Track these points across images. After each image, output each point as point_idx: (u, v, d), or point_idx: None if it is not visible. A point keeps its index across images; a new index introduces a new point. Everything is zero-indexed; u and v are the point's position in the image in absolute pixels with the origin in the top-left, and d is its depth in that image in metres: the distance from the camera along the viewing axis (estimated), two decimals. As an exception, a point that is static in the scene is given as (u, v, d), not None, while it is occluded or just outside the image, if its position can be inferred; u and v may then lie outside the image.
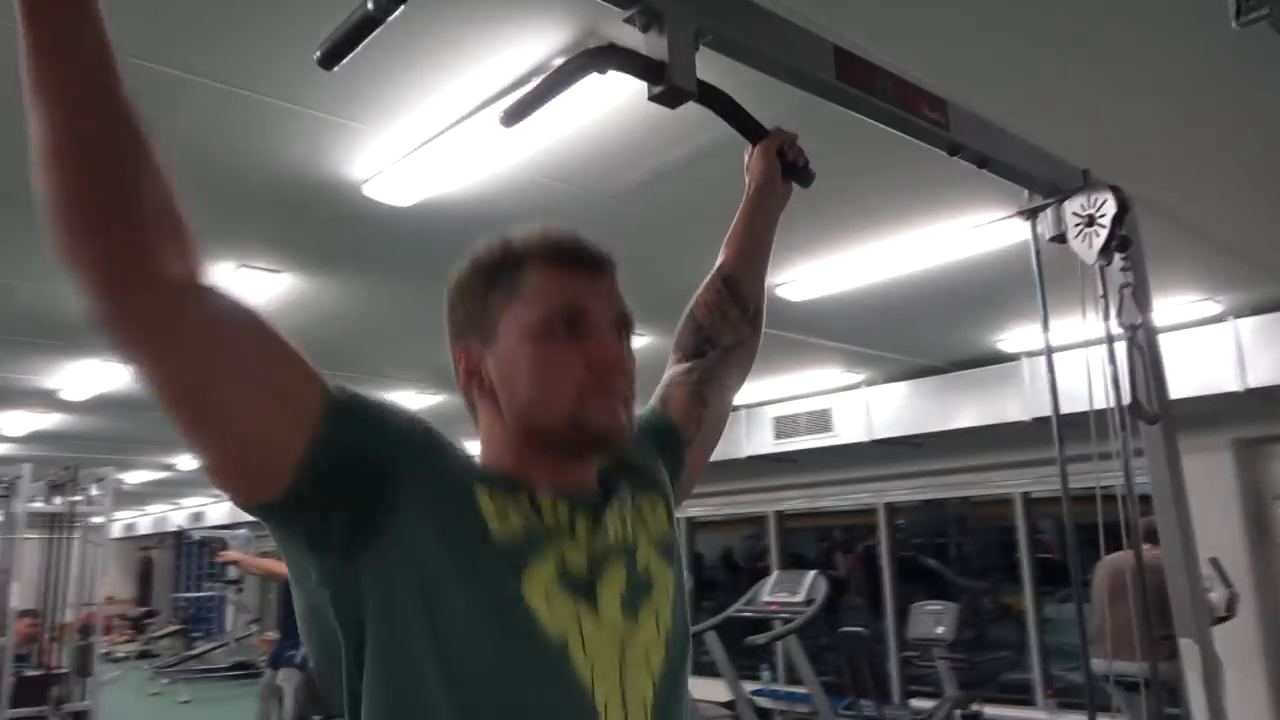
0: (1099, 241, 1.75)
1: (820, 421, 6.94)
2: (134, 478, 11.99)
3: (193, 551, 18.59)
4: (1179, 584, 1.93)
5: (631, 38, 1.18)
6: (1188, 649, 1.92)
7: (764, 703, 7.83)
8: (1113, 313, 1.83)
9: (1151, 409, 1.81)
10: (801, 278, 4.14)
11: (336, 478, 0.81)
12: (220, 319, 0.78)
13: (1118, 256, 1.81)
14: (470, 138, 2.68)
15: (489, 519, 0.87)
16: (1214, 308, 4.82)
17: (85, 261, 0.71)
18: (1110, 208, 1.74)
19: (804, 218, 3.47)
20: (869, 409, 6.59)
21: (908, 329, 5.30)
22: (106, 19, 0.72)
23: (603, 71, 1.13)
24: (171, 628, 13.90)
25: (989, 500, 7.81)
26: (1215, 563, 5.09)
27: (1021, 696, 6.88)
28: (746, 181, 1.36)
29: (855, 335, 5.37)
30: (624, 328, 0.97)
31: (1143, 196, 3.19)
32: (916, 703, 6.08)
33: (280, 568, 7.04)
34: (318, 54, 1.08)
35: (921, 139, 1.58)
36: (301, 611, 0.88)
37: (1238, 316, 4.88)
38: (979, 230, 3.59)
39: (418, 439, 0.88)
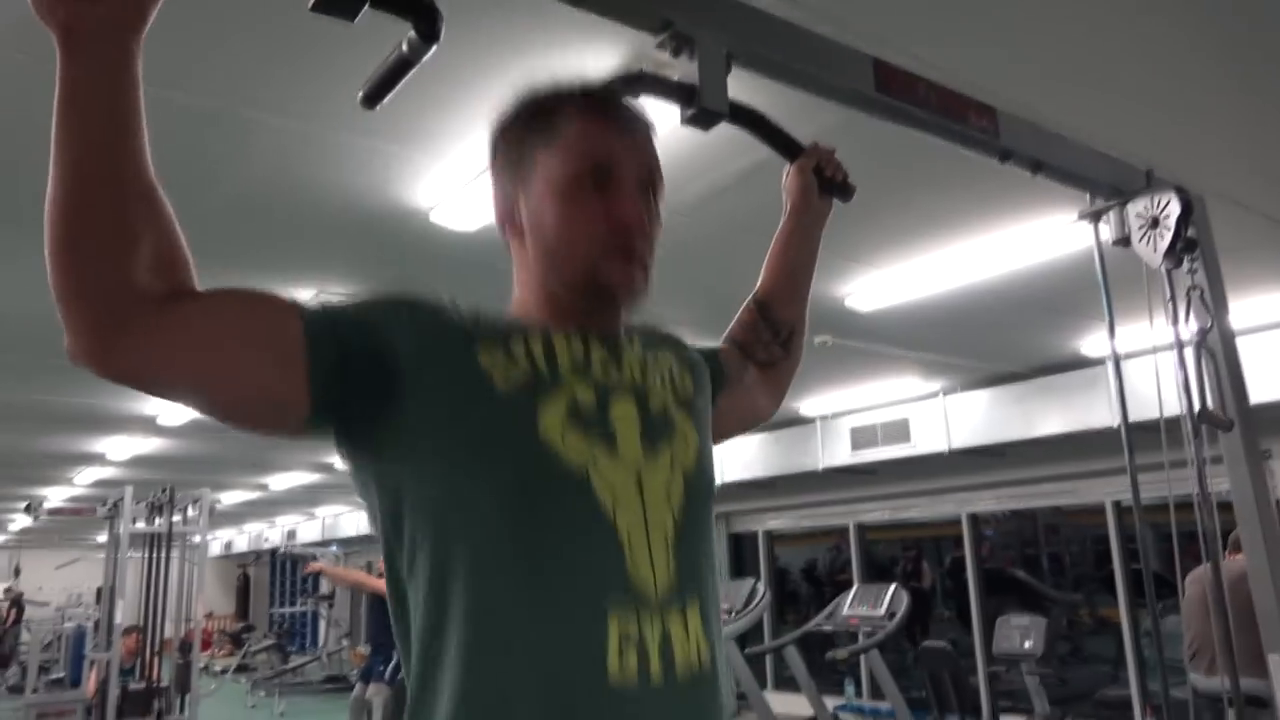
0: (1164, 244, 1.69)
1: (898, 431, 6.82)
2: (230, 497, 12.46)
3: (286, 567, 19.24)
4: (1264, 596, 1.85)
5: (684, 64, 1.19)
6: (1276, 664, 1.84)
7: (847, 718, 7.71)
8: (1181, 317, 1.77)
9: (1225, 416, 1.74)
10: (868, 288, 4.09)
11: (344, 388, 0.85)
12: (194, 322, 0.82)
13: (1185, 259, 1.74)
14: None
15: (492, 372, 0.89)
16: (1311, 305, 4.59)
17: (79, 300, 0.76)
18: (1175, 209, 1.68)
19: (867, 229, 3.44)
20: (948, 418, 6.46)
21: (984, 335, 5.18)
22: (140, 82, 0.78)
23: (635, 97, 1.14)
24: (268, 642, 14.33)
25: (1081, 509, 7.55)
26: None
27: (1121, 713, 6.62)
28: (784, 200, 1.36)
29: (929, 343, 5.28)
30: (651, 187, 0.99)
31: (1216, 190, 3.10)
32: (1006, 719, 5.90)
33: (366, 579, 7.24)
34: (360, 94, 1.12)
35: (970, 147, 1.55)
36: (373, 519, 0.93)
37: (1339, 314, 4.64)
38: (1049, 233, 3.49)
39: (402, 323, 0.90)
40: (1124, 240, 1.80)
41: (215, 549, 18.91)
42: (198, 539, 7.49)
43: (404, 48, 1.03)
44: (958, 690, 4.92)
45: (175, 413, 6.65)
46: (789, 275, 1.33)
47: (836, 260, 3.79)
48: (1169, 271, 1.77)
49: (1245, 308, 4.47)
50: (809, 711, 5.83)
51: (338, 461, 8.33)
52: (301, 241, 3.43)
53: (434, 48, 1.02)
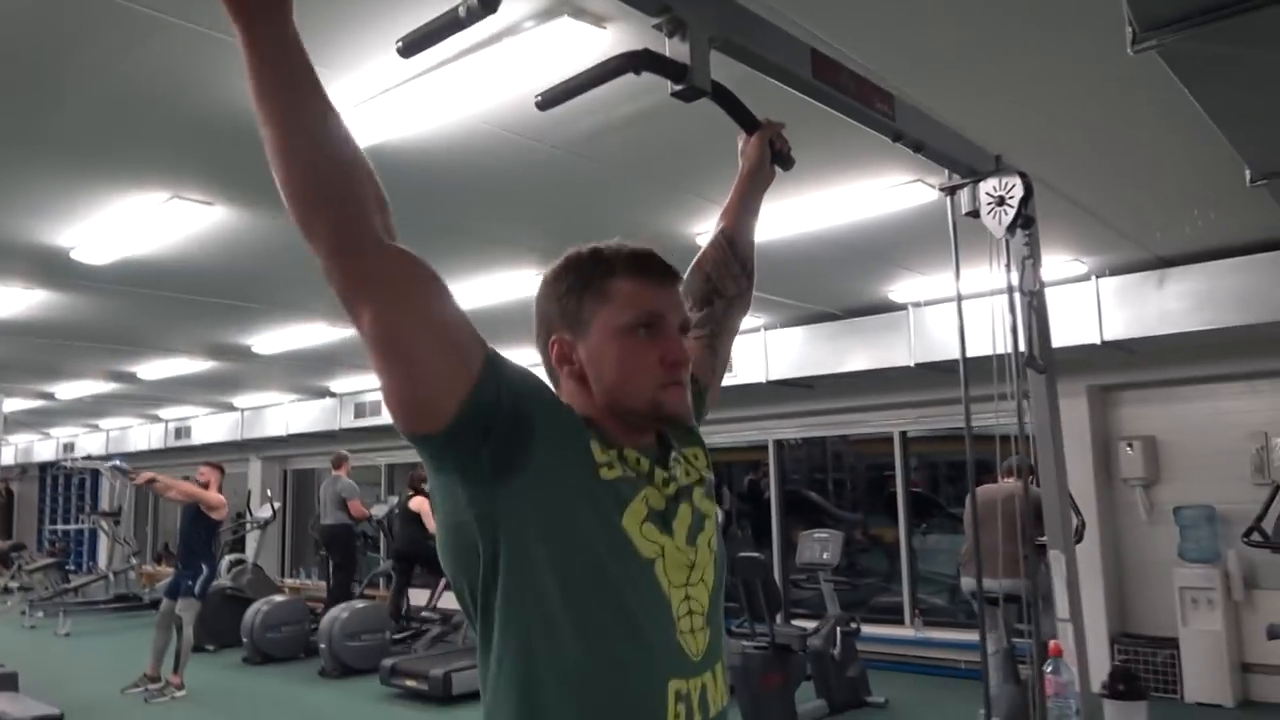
0: (1007, 219, 2.07)
1: (720, 362, 7.27)
2: (6, 406, 11.43)
3: (59, 482, 17.89)
4: (1052, 506, 2.33)
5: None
6: (1056, 558, 2.32)
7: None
8: (1014, 277, 2.16)
9: (1040, 361, 2.16)
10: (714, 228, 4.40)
11: (488, 421, 1.02)
12: (413, 275, 0.99)
13: (1020, 231, 2.13)
14: (427, 88, 2.81)
15: (600, 464, 1.11)
16: (1080, 267, 5.35)
17: (318, 235, 0.93)
18: (1019, 191, 2.06)
19: (724, 172, 3.72)
20: (767, 351, 6.98)
21: (809, 278, 5.64)
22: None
23: (637, 72, 1.34)
24: (44, 561, 13.39)
25: (864, 439, 8.40)
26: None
27: (893, 616, 7.57)
28: (740, 163, 1.60)
29: (760, 282, 5.65)
30: (686, 329, 1.23)
31: (1026, 171, 3.62)
32: (798, 622, 6.61)
33: (200, 492, 6.98)
34: (399, 44, 1.25)
35: (872, 127, 1.84)
36: (445, 525, 1.10)
37: (1100, 276, 5.44)
38: (882, 191, 3.93)
39: (548, 399, 1.10)
40: (974, 213, 2.17)
41: (-24, 461, 17.27)
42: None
43: (462, 11, 1.17)
44: (766, 596, 5.48)
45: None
46: (746, 221, 1.60)
47: (690, 198, 4.06)
48: (1007, 241, 2.16)
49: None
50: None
51: (140, 371, 7.79)
52: (156, 140, 3.32)
53: (487, 16, 1.17)
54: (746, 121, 1.57)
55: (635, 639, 1.08)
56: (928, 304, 6.05)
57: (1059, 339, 5.42)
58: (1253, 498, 5.26)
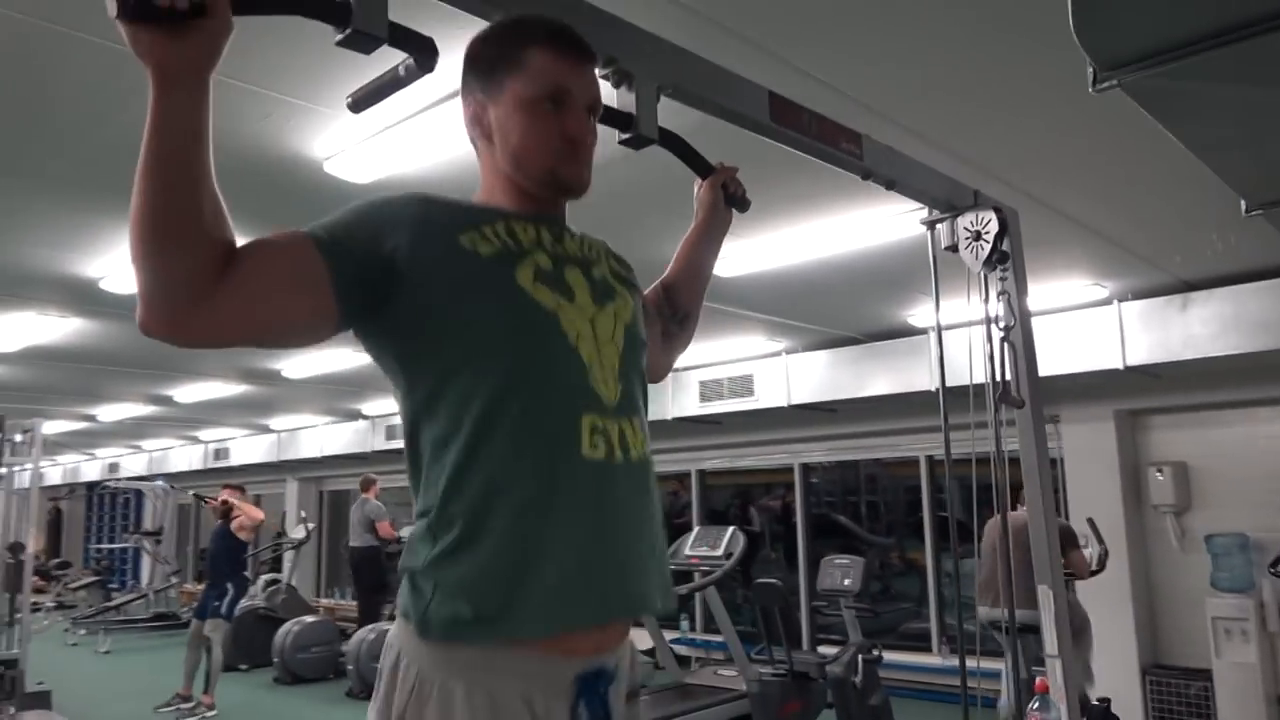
0: (983, 254, 2.07)
1: (743, 386, 7.29)
2: (50, 427, 11.76)
3: (105, 501, 18.30)
4: (1039, 540, 2.31)
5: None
6: (1044, 594, 2.30)
7: (683, 650, 8.28)
8: (993, 314, 2.16)
9: (1019, 396, 2.15)
10: (731, 255, 4.43)
11: (361, 290, 1.09)
12: (247, 287, 1.02)
13: (998, 266, 2.13)
14: (431, 124, 2.88)
15: (476, 246, 1.16)
16: (1101, 292, 5.28)
17: (162, 294, 0.97)
18: (994, 226, 2.06)
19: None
20: (789, 375, 6.97)
21: (827, 303, 5.65)
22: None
23: (583, 121, 1.37)
24: (87, 579, 13.70)
25: (896, 462, 8.33)
26: (1091, 522, 5.63)
27: (920, 644, 7.47)
28: (696, 209, 1.63)
29: (779, 307, 5.70)
30: (593, 109, 1.26)
31: (1037, 196, 3.60)
32: (824, 649, 6.55)
33: (259, 514, 7.16)
34: (349, 99, 1.30)
35: (840, 166, 1.86)
36: (387, 374, 1.19)
37: (1121, 300, 5.37)
38: (890, 218, 3.93)
39: (396, 221, 1.14)
40: (953, 248, 2.18)
41: (24, 480, 17.73)
42: (27, 469, 7.16)
43: (401, 71, 1.22)
44: (785, 623, 5.45)
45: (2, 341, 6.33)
46: (694, 271, 1.62)
47: (686, 223, 4.09)
48: (985, 276, 2.16)
49: (1050, 290, 5.11)
50: (649, 644, 6.28)
51: (176, 395, 8.00)
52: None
53: (425, 76, 1.22)
54: (699, 167, 1.60)
55: (544, 368, 1.15)
56: (948, 328, 5.99)
57: (1081, 364, 5.42)
58: (1286, 526, 5.14)
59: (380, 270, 1.10)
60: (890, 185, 1.96)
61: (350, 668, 7.36)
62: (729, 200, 1.63)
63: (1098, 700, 4.77)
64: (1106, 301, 5.39)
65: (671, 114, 1.54)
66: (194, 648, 7.00)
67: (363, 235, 1.11)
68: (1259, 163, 2.07)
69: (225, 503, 7.24)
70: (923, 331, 6.19)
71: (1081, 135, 3.18)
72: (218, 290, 0.99)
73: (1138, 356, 5.32)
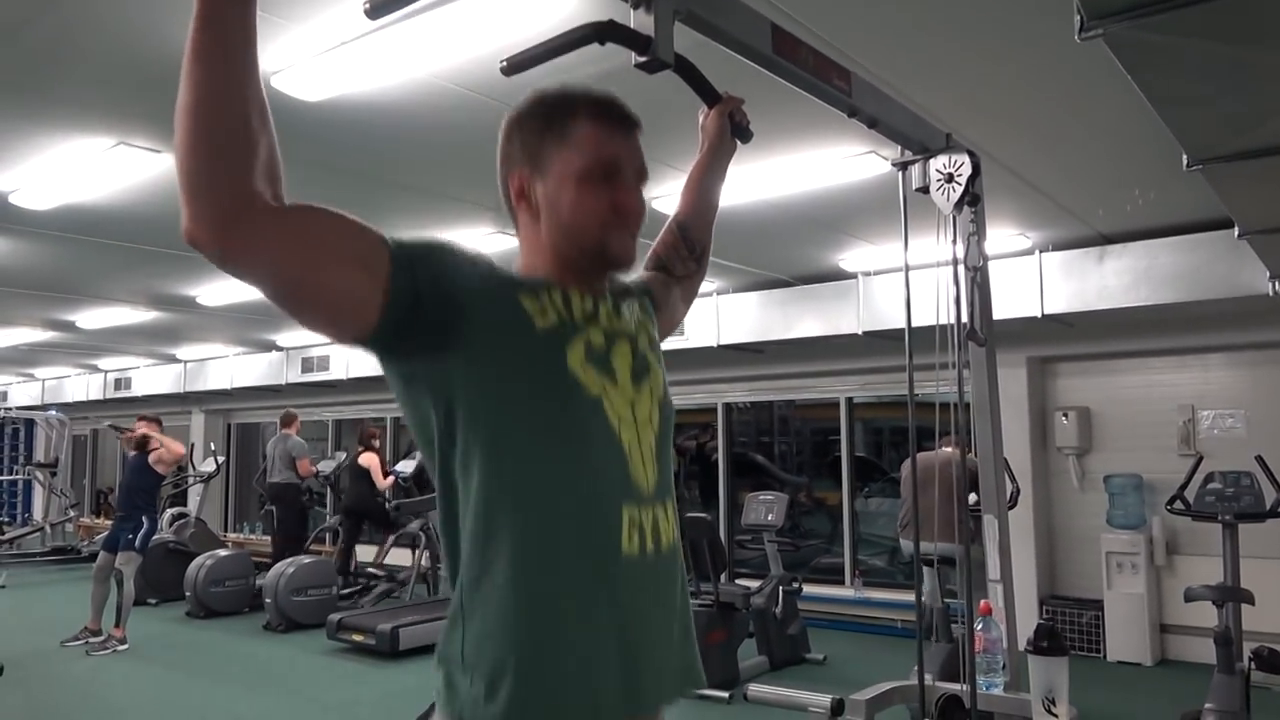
0: (955, 196, 2.13)
1: (673, 326, 7.33)
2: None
3: (-6, 432, 17.42)
4: (988, 473, 2.43)
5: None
6: (989, 523, 2.43)
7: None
8: (959, 252, 2.24)
9: (980, 334, 2.25)
10: (672, 193, 4.42)
11: (411, 304, 1.05)
12: (302, 226, 1.00)
13: (967, 208, 2.20)
14: (389, 42, 2.78)
15: (533, 317, 1.15)
16: (1025, 242, 5.48)
17: (207, 194, 0.94)
18: (966, 169, 2.12)
19: (687, 140, 3.74)
20: (719, 316, 7.05)
21: (763, 245, 5.70)
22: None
23: (602, 42, 1.36)
24: (-25, 512, 13.10)
25: (810, 404, 8.56)
26: (1005, 462, 5.93)
27: (834, 577, 7.78)
28: (700, 138, 1.63)
29: (716, 248, 5.69)
30: (642, 179, 1.26)
31: (976, 144, 3.69)
32: (742, 581, 6.76)
33: (181, 449, 6.89)
34: (366, 4, 1.25)
35: (828, 102, 1.88)
36: (407, 407, 1.16)
37: (1043, 251, 5.58)
38: (837, 162, 3.98)
39: (470, 270, 1.12)
40: (924, 189, 2.23)
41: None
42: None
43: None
44: (713, 555, 5.60)
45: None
46: (705, 202, 1.62)
47: (653, 164, 4.07)
48: (954, 218, 2.23)
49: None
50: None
51: (79, 320, 7.67)
52: (102, 82, 3.23)
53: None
54: (707, 95, 1.60)
55: (589, 464, 1.14)
56: (877, 273, 6.15)
57: (1002, 311, 5.62)
58: (1178, 468, 5.48)
59: (441, 305, 1.07)
60: (873, 124, 1.99)
61: (269, 601, 7.28)
62: (734, 130, 1.64)
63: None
64: (1029, 251, 5.59)
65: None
66: (101, 581, 6.80)
67: (434, 265, 1.09)
68: (1211, 118, 2.17)
69: (144, 435, 6.99)
70: (852, 275, 6.32)
71: (1023, 90, 3.27)
72: (271, 215, 0.96)
73: (1056, 306, 5.56)
